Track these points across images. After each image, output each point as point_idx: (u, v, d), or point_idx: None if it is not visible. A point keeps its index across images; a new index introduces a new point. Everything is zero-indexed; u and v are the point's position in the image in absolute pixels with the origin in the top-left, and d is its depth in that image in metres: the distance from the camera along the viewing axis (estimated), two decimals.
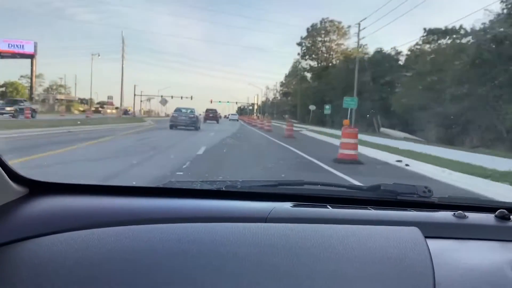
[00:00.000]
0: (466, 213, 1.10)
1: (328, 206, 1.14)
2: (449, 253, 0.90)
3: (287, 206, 1.11)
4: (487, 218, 1.10)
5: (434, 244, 0.89)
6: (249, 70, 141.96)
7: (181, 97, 66.24)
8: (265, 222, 0.97)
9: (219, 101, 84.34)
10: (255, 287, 0.68)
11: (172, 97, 66.10)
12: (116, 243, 0.79)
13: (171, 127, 22.59)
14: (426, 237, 0.83)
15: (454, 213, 1.09)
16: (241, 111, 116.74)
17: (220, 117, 51.67)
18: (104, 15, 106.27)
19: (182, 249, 0.77)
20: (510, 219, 1.08)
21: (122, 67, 59.65)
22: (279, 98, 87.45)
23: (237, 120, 58.81)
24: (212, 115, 40.02)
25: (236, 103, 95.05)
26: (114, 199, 1.05)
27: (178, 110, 24.52)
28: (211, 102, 70.88)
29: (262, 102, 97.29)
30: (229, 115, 74.52)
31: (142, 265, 0.72)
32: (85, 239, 0.81)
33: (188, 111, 24.36)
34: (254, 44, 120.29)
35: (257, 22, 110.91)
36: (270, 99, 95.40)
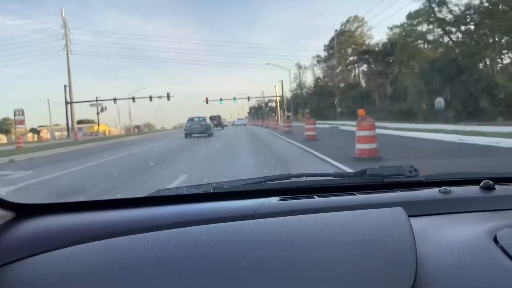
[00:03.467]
0: (452, 188, 1.10)
1: (315, 196, 1.15)
2: (433, 229, 0.90)
3: (274, 200, 1.11)
4: (472, 190, 1.10)
5: (419, 222, 0.89)
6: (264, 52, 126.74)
7: (150, 98, 47.81)
8: (252, 218, 0.97)
9: (220, 100, 55.42)
10: (236, 282, 0.68)
11: (133, 98, 48.38)
12: (99, 256, 0.79)
13: (186, 135, 25.16)
14: (411, 215, 0.83)
15: (439, 189, 1.10)
16: (257, 112, 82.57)
17: (226, 125, 51.54)
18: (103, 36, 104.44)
19: (166, 255, 0.77)
20: (494, 188, 1.09)
21: (68, 62, 46.20)
22: (325, 80, 51.93)
23: (245, 125, 54.95)
24: (216, 122, 41.66)
25: (248, 99, 60.48)
26: (98, 214, 1.05)
27: (191, 119, 27.00)
28: (207, 101, 51.84)
29: (292, 92, 65.13)
30: (234, 120, 66.07)
31: (125, 275, 0.72)
32: (69, 255, 0.81)
33: (201, 119, 26.96)
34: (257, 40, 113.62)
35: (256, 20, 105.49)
36: (309, 84, 60.35)
